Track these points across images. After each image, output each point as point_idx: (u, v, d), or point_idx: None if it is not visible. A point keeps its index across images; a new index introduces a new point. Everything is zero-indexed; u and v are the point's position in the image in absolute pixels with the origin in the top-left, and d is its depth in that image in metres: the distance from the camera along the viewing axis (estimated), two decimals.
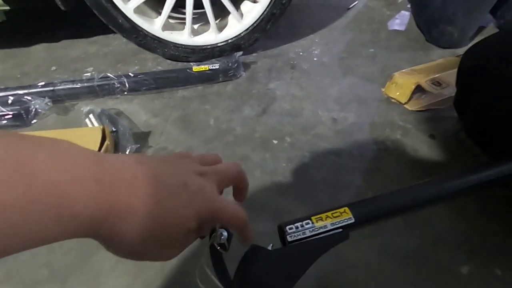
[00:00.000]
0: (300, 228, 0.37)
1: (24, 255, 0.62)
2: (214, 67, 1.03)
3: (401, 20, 1.40)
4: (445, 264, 0.61)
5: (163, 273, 0.59)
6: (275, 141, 0.86)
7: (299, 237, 0.37)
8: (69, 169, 0.20)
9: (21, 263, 0.61)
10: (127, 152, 0.79)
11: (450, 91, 0.91)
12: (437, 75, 0.94)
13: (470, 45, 0.79)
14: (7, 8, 1.03)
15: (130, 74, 1.00)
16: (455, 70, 0.81)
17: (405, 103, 0.94)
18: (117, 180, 0.22)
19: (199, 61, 1.11)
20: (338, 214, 0.39)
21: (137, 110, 0.96)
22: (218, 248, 0.34)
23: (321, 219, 0.38)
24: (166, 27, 1.05)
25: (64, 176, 0.19)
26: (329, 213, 0.39)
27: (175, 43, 1.07)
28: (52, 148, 0.20)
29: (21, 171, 0.17)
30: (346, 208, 0.40)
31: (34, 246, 0.19)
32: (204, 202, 0.26)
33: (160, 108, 0.97)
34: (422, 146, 0.85)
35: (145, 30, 1.03)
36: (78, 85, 0.96)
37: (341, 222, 0.38)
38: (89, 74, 1.08)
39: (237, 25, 1.08)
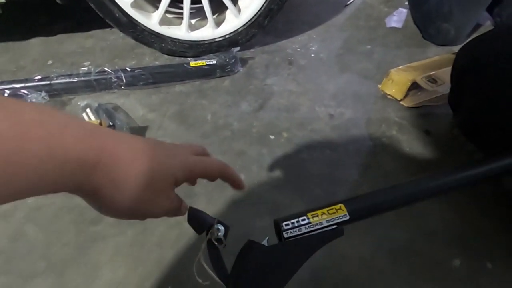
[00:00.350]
0: (296, 225, 0.38)
1: (21, 248, 0.62)
2: (211, 62, 1.03)
3: (398, 17, 1.41)
4: (438, 258, 0.62)
5: (160, 266, 0.59)
6: (272, 136, 0.87)
7: (295, 233, 0.37)
8: (54, 115, 0.20)
9: (18, 256, 0.61)
10: None
11: (446, 88, 0.91)
12: (432, 72, 0.95)
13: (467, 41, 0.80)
14: (3, 1, 1.02)
15: (127, 68, 1.00)
16: (451, 67, 0.81)
17: (401, 99, 0.95)
18: (100, 130, 0.23)
19: (197, 56, 1.10)
20: (333, 211, 0.40)
21: (134, 105, 0.96)
22: (215, 243, 0.35)
23: (317, 216, 0.39)
24: (163, 21, 1.05)
25: (49, 117, 0.20)
26: (324, 210, 0.40)
27: (173, 38, 1.07)
28: (33, 103, 0.21)
29: (3, 109, 0.18)
30: (342, 205, 0.40)
31: (32, 187, 0.19)
32: (186, 156, 0.29)
33: (157, 103, 0.97)
34: (417, 142, 0.86)
35: (142, 25, 1.03)
36: (75, 79, 0.96)
37: (336, 219, 0.39)
38: (86, 68, 1.07)
39: (234, 20, 1.08)
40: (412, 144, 0.85)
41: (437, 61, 1.02)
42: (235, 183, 0.34)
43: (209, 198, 0.72)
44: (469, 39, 0.70)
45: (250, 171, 0.78)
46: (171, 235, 0.65)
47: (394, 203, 0.44)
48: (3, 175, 0.17)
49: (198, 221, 0.36)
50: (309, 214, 0.39)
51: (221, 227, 0.35)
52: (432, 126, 0.90)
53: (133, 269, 0.59)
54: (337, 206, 0.40)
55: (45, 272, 0.59)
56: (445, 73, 0.93)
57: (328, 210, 0.40)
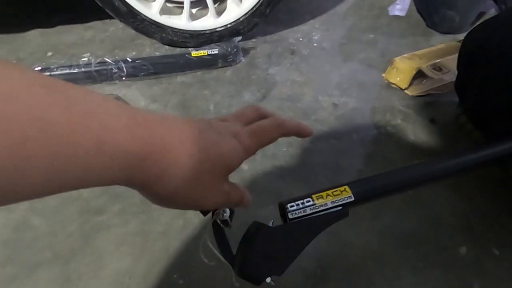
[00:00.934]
0: (301, 206, 0.37)
1: (26, 237, 0.62)
2: (213, 52, 1.02)
3: (402, 6, 1.38)
4: (444, 244, 0.62)
5: (165, 255, 0.59)
6: None
7: (300, 214, 0.37)
8: (103, 103, 0.19)
9: (23, 246, 0.61)
10: None
11: (451, 76, 0.90)
12: (438, 60, 0.94)
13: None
14: None
15: (128, 59, 0.98)
16: (456, 55, 0.80)
17: (406, 88, 0.94)
18: (151, 120, 0.21)
19: (198, 46, 1.09)
20: (338, 192, 0.39)
21: (136, 96, 0.95)
22: (221, 224, 0.34)
23: (322, 197, 0.38)
24: (163, 11, 1.03)
25: (100, 108, 0.18)
26: (329, 191, 0.39)
27: (173, 28, 1.05)
28: (82, 87, 0.19)
29: (58, 94, 0.17)
30: (346, 187, 0.40)
31: (78, 181, 0.18)
32: (239, 137, 0.27)
33: (159, 94, 0.96)
34: (423, 131, 0.85)
35: (143, 14, 1.01)
36: (76, 70, 0.94)
37: (341, 200, 0.39)
38: (86, 59, 1.06)
39: (236, 9, 1.06)
40: (417, 132, 0.84)
41: (442, 49, 1.01)
42: (302, 133, 0.32)
43: None
44: (476, 25, 0.69)
45: (254, 160, 0.77)
46: (176, 224, 0.64)
47: (400, 185, 0.44)
48: (51, 167, 0.16)
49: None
50: (314, 196, 0.38)
51: (227, 209, 0.35)
52: (437, 114, 0.89)
53: (139, 258, 0.59)
54: (342, 188, 0.40)
55: (51, 261, 0.59)
56: (451, 61, 0.92)
57: (333, 192, 0.39)
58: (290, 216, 0.37)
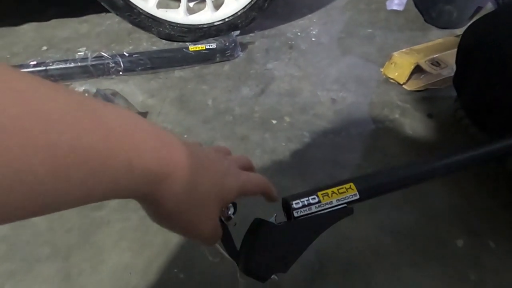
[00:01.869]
0: (306, 204, 0.37)
1: (24, 233, 0.62)
2: (211, 47, 1.01)
3: (399, 0, 1.38)
4: (441, 237, 0.63)
5: (165, 250, 0.59)
6: (274, 121, 0.86)
7: (305, 212, 0.37)
8: (136, 124, 0.20)
9: (22, 242, 0.61)
10: None
11: (449, 71, 0.91)
12: (436, 55, 0.94)
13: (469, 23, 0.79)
14: None
15: (125, 53, 0.97)
16: (454, 50, 0.80)
17: (404, 83, 0.94)
18: (171, 141, 0.23)
19: (195, 40, 1.08)
20: (344, 190, 0.39)
21: (133, 91, 0.95)
22: (225, 221, 0.34)
23: (327, 195, 0.38)
24: (160, 4, 1.02)
25: (132, 129, 0.19)
26: (335, 189, 0.39)
27: (170, 22, 1.04)
28: (114, 106, 0.20)
29: (98, 118, 0.17)
30: (352, 184, 0.40)
31: (106, 195, 0.19)
32: (236, 176, 0.30)
33: (157, 89, 0.96)
34: (420, 125, 0.85)
35: (139, 8, 1.00)
36: (72, 65, 0.93)
37: (346, 198, 0.39)
38: (82, 54, 1.05)
39: (234, 3, 1.05)
40: (415, 127, 0.85)
41: (440, 44, 1.01)
42: (272, 198, 0.36)
43: None
44: (474, 20, 0.69)
45: (253, 155, 0.77)
46: None
47: (404, 181, 0.44)
48: (84, 188, 0.17)
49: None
50: (319, 193, 0.38)
51: (231, 206, 0.35)
52: (435, 109, 0.89)
53: (139, 253, 0.59)
54: (347, 185, 0.40)
55: (50, 257, 0.59)
56: (449, 56, 0.92)
57: (338, 190, 0.39)
58: (295, 214, 0.37)
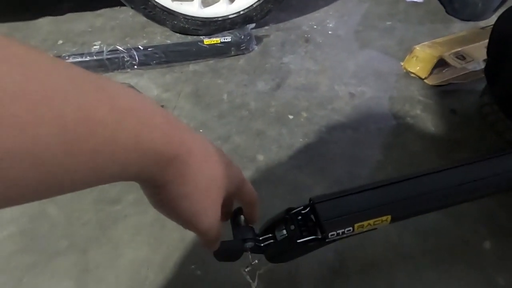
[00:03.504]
0: (340, 235, 0.39)
1: (43, 226, 0.62)
2: (226, 40, 0.99)
3: None
4: (467, 238, 0.60)
5: (183, 245, 0.59)
6: (290, 116, 0.84)
7: (337, 238, 0.39)
8: (144, 102, 0.19)
9: (41, 235, 0.61)
10: None
11: (475, 65, 0.87)
12: (461, 48, 0.90)
13: (495, 15, 0.74)
14: None
15: (139, 47, 0.97)
16: (481, 43, 0.77)
17: (426, 77, 0.90)
18: (179, 123, 0.22)
19: (210, 34, 1.06)
20: (379, 222, 0.40)
21: (148, 85, 0.94)
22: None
23: (362, 226, 0.39)
24: None
25: (138, 105, 0.19)
26: (371, 221, 0.40)
27: (185, 15, 1.03)
28: (120, 84, 0.19)
29: (103, 91, 0.17)
30: (389, 217, 0.40)
31: (112, 176, 0.18)
32: (238, 170, 0.30)
33: (172, 83, 0.95)
34: (443, 122, 0.82)
35: (154, 1, 0.98)
36: (88, 58, 0.93)
37: (377, 225, 0.39)
38: (97, 47, 1.04)
39: None
40: (438, 123, 0.82)
41: (465, 36, 0.96)
42: (253, 216, 0.36)
43: None
44: (509, 7, 0.65)
45: (269, 151, 0.76)
46: None
47: (438, 206, 0.43)
48: (92, 164, 0.16)
49: (226, 251, 0.37)
50: (355, 226, 0.39)
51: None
52: (458, 104, 0.86)
53: (156, 249, 0.59)
54: (384, 218, 0.40)
55: (68, 250, 0.59)
56: (475, 49, 0.88)
57: (374, 222, 0.39)
58: (327, 240, 0.39)
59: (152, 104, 0.20)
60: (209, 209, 0.25)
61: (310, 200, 0.41)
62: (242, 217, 0.42)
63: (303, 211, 0.41)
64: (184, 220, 0.25)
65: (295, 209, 0.42)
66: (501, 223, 0.61)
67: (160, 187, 0.22)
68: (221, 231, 0.29)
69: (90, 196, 0.67)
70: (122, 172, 0.18)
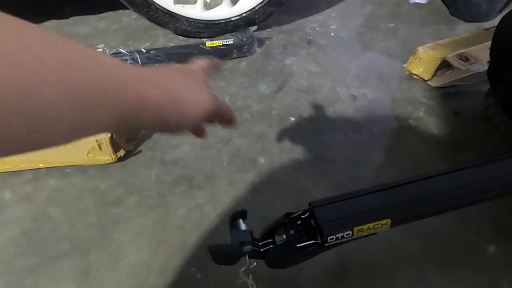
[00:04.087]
0: (340, 239, 0.39)
1: (45, 227, 0.62)
2: (228, 43, 1.00)
3: None
4: (471, 242, 0.59)
5: (183, 248, 0.59)
6: (292, 118, 0.84)
7: (336, 242, 0.39)
8: (117, 60, 0.23)
9: (42, 237, 0.61)
10: None
11: (479, 67, 0.86)
12: (464, 50, 0.89)
13: (499, 16, 0.73)
14: None
15: (142, 50, 0.97)
16: (485, 44, 0.76)
17: (429, 79, 0.90)
18: (145, 73, 0.25)
19: (212, 36, 1.07)
20: (379, 225, 0.39)
21: None
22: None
23: (362, 230, 0.39)
24: (177, 0, 1.01)
25: (117, 62, 0.22)
26: (371, 225, 0.39)
27: (187, 18, 1.03)
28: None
29: (86, 49, 0.20)
30: (389, 220, 0.39)
31: (102, 119, 0.21)
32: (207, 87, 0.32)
33: None
34: (446, 124, 0.81)
35: (157, 4, 0.99)
36: None
37: (377, 229, 0.39)
38: (100, 50, 1.05)
39: None
40: (441, 125, 0.81)
41: (467, 38, 0.96)
42: (232, 121, 0.38)
43: (230, 181, 0.70)
44: (506, 11, 0.65)
45: (271, 153, 0.76)
46: (192, 218, 0.63)
47: (439, 210, 0.42)
48: (84, 104, 0.18)
49: (224, 255, 0.38)
50: (355, 229, 0.38)
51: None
52: (462, 106, 0.85)
53: (156, 251, 0.59)
54: (384, 222, 0.39)
55: (70, 252, 0.59)
56: (479, 51, 0.87)
57: (374, 225, 0.39)
58: (326, 245, 0.39)
59: (122, 62, 0.24)
60: (202, 91, 0.30)
61: (309, 204, 0.41)
62: (240, 220, 0.42)
63: (302, 216, 0.40)
64: (184, 121, 0.28)
65: (294, 213, 0.41)
66: (505, 226, 0.60)
67: (142, 119, 0.24)
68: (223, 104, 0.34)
69: (92, 198, 0.67)
70: (110, 116, 0.21)
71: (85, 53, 0.20)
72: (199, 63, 0.36)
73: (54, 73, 0.17)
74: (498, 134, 0.77)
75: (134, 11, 1.02)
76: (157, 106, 0.25)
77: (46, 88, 0.16)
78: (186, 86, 0.28)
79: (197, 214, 0.64)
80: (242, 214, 0.44)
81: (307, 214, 0.40)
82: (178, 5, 1.01)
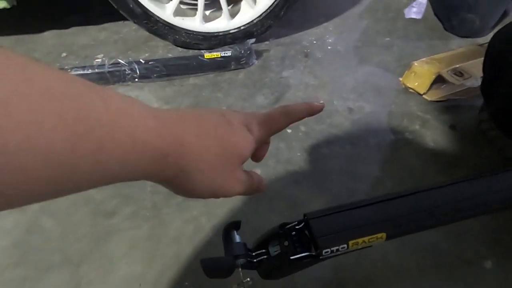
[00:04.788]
0: (335, 252, 0.38)
1: (37, 239, 0.61)
2: (226, 55, 1.01)
3: (418, 8, 1.35)
4: (467, 258, 0.59)
5: (177, 260, 0.58)
6: (289, 130, 0.84)
7: (331, 255, 0.38)
8: (131, 103, 0.20)
9: (34, 248, 0.60)
10: None
11: (473, 82, 0.87)
12: (458, 65, 0.91)
13: (493, 32, 0.74)
14: None
15: (141, 60, 0.98)
16: (479, 59, 0.77)
17: (424, 93, 0.91)
18: (170, 119, 0.23)
19: (210, 48, 1.08)
20: (374, 239, 0.39)
21: (149, 97, 0.95)
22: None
23: (357, 244, 0.38)
24: (177, 13, 1.03)
25: (131, 107, 0.20)
26: (366, 239, 0.39)
27: (187, 30, 1.05)
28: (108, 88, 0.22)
29: (96, 94, 0.18)
30: (384, 234, 0.39)
31: (115, 174, 0.19)
32: (247, 129, 0.28)
33: (172, 96, 0.96)
34: (442, 137, 0.82)
35: (157, 16, 1.01)
36: (89, 71, 0.94)
37: (372, 243, 0.39)
38: (99, 60, 1.06)
39: (250, 11, 1.05)
40: (437, 139, 0.81)
41: (462, 53, 0.97)
42: (313, 111, 0.32)
43: None
44: (504, 26, 0.66)
45: (267, 165, 0.75)
46: (187, 230, 0.63)
47: (435, 223, 0.42)
48: (95, 163, 0.17)
49: (217, 268, 0.37)
50: (350, 243, 0.38)
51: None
52: (457, 120, 0.86)
53: (150, 264, 0.58)
54: (379, 235, 0.39)
55: (61, 265, 0.58)
56: (473, 66, 0.89)
57: (369, 239, 0.38)
58: (321, 258, 0.38)
59: (142, 105, 0.21)
60: (226, 182, 0.26)
61: (304, 215, 0.40)
62: (234, 232, 0.41)
63: (297, 226, 0.40)
64: (212, 196, 0.26)
65: (289, 224, 0.41)
66: (503, 242, 0.60)
67: (171, 181, 0.23)
68: (255, 179, 0.29)
69: (86, 208, 0.66)
70: (122, 170, 0.19)
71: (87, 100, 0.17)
72: (261, 129, 0.29)
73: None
74: (493, 148, 0.78)
75: (134, 22, 1.03)
76: (166, 178, 0.23)
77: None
78: (214, 161, 0.24)
79: (192, 226, 0.63)
80: (236, 225, 0.43)
81: (302, 225, 0.40)
82: (177, 18, 1.03)
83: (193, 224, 0.64)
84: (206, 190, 0.25)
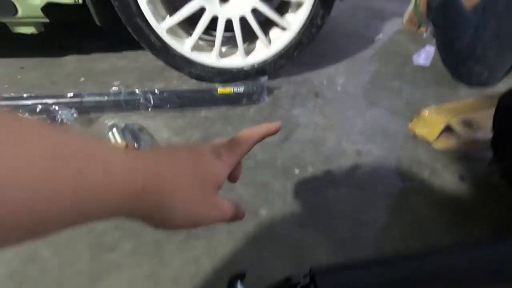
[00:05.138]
0: None
1: (34, 270, 0.60)
2: (238, 91, 1.03)
3: (426, 55, 1.39)
4: None
5: None
6: (296, 170, 0.84)
7: None
8: (105, 143, 0.23)
9: (31, 279, 0.59)
10: None
11: (482, 134, 0.87)
12: (468, 116, 0.91)
13: (502, 82, 0.76)
14: (47, 20, 1.08)
15: (156, 91, 1.01)
16: (488, 111, 0.78)
17: (433, 141, 0.91)
18: (141, 154, 0.24)
19: (223, 82, 1.11)
20: None
21: (160, 127, 0.96)
22: None
23: None
24: (195, 48, 1.07)
25: (105, 145, 0.21)
26: None
27: (203, 64, 1.09)
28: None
29: (73, 138, 0.20)
30: None
31: (92, 216, 0.20)
32: (220, 157, 0.29)
33: (182, 127, 0.97)
34: (451, 188, 0.81)
35: (175, 50, 1.05)
36: (105, 98, 0.97)
37: None
38: (116, 88, 1.09)
39: (264, 50, 1.09)
40: (446, 189, 0.80)
41: (471, 103, 0.99)
42: (271, 133, 0.34)
43: (230, 231, 0.68)
44: (504, 80, 0.67)
45: (273, 206, 0.75)
46: (188, 270, 0.61)
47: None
48: (72, 194, 0.18)
49: None
50: None
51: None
52: (467, 171, 0.85)
53: None
54: None
55: None
56: (483, 118, 0.89)
57: None
58: None
59: (113, 145, 0.23)
60: (205, 209, 0.26)
61: (310, 270, 0.39)
62: (238, 282, 0.40)
63: (302, 280, 0.39)
64: (191, 227, 0.26)
65: (294, 279, 0.40)
66: None
67: (147, 217, 0.24)
68: (233, 206, 0.30)
69: (86, 240, 0.65)
70: (100, 204, 0.20)
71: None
72: (232, 151, 0.30)
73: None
74: (505, 202, 0.76)
75: (153, 54, 1.07)
76: (144, 212, 0.23)
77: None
78: (189, 190, 0.25)
79: (193, 267, 0.61)
80: (241, 277, 0.42)
81: (308, 279, 0.39)
82: (194, 52, 1.07)
83: (194, 265, 0.62)
84: (185, 221, 0.25)
